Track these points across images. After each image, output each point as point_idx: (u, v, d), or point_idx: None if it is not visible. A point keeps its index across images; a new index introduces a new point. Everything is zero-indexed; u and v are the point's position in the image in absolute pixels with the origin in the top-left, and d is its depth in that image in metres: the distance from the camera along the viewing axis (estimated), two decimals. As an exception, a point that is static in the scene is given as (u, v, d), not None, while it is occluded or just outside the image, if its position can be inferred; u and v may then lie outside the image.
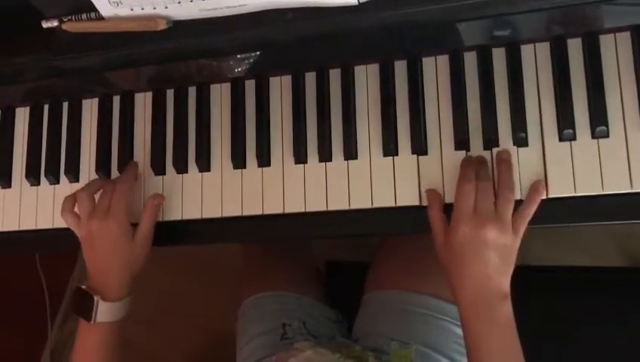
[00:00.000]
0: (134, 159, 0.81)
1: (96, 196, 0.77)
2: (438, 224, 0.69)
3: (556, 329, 0.95)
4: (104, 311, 0.73)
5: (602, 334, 0.94)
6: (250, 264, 1.06)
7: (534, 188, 0.68)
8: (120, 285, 0.75)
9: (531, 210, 0.67)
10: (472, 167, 0.68)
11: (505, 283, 0.66)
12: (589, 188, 0.67)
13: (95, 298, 0.72)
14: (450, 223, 0.67)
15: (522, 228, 0.66)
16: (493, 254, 0.65)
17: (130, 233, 0.75)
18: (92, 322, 0.73)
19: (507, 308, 0.65)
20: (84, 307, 0.73)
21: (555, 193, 0.67)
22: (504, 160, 0.69)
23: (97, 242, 0.74)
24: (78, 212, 0.76)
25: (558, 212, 0.68)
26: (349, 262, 1.09)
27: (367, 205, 0.72)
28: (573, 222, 0.69)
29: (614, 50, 0.68)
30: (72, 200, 0.77)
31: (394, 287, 0.89)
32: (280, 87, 0.77)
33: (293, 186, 0.75)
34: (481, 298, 0.65)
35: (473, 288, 0.66)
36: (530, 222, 0.68)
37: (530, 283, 0.98)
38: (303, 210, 0.74)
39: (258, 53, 0.72)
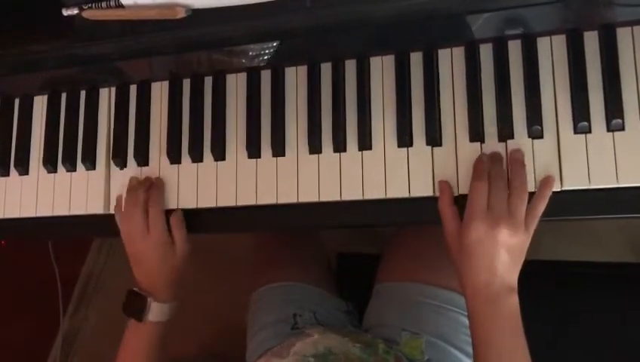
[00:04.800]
0: (150, 147, 0.82)
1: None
2: (447, 213, 0.69)
3: (567, 324, 0.95)
4: (155, 311, 0.79)
5: (614, 329, 0.94)
6: (261, 254, 1.07)
7: (545, 183, 0.68)
8: (169, 290, 0.80)
9: (542, 206, 0.67)
10: (486, 165, 0.69)
11: (513, 277, 0.67)
12: (603, 180, 0.67)
13: (148, 299, 0.79)
14: (463, 220, 0.67)
15: (533, 226, 0.67)
16: (504, 252, 0.65)
17: (171, 245, 0.79)
18: (143, 321, 0.79)
19: (513, 302, 0.66)
20: (136, 307, 0.79)
21: (569, 185, 0.67)
22: (517, 159, 0.69)
23: (144, 259, 0.80)
24: (119, 222, 0.81)
25: (573, 205, 0.68)
26: (360, 254, 1.09)
27: (380, 195, 0.73)
28: (588, 215, 0.69)
29: (631, 43, 0.68)
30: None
31: (404, 279, 0.89)
32: (295, 78, 0.78)
33: (307, 176, 0.75)
34: (488, 291, 0.66)
35: (481, 281, 0.66)
36: (544, 215, 0.68)
37: (542, 278, 0.98)
38: (316, 199, 0.75)
39: (275, 42, 0.73)
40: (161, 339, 0.81)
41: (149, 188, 0.80)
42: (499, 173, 0.68)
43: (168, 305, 0.80)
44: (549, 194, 0.67)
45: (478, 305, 0.66)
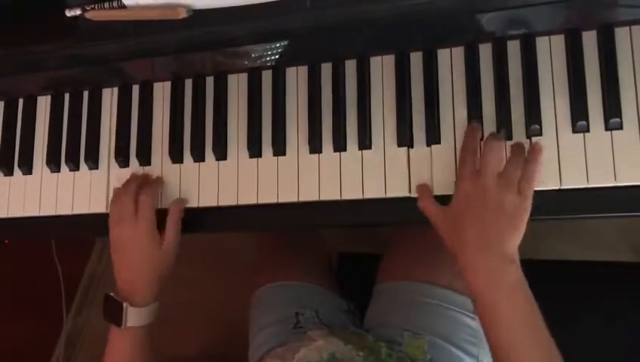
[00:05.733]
0: (152, 147, 0.83)
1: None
2: (430, 208, 0.68)
3: (567, 324, 0.95)
4: (133, 316, 0.75)
5: (615, 329, 0.94)
6: (262, 254, 1.07)
7: (535, 148, 0.66)
8: (148, 290, 0.77)
9: (535, 169, 0.64)
10: (477, 138, 0.68)
11: (511, 246, 0.62)
12: (602, 179, 0.67)
13: (124, 304, 0.75)
14: (456, 183, 0.66)
15: (528, 190, 0.63)
16: (496, 213, 0.62)
17: (158, 239, 0.77)
18: (122, 327, 0.75)
19: (514, 271, 0.61)
20: (114, 313, 0.76)
21: (567, 184, 0.68)
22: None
23: (126, 248, 0.77)
24: (109, 213, 0.78)
25: (571, 203, 0.69)
26: (360, 254, 1.10)
27: (380, 195, 0.73)
28: (586, 214, 0.70)
29: (629, 42, 0.68)
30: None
31: (406, 278, 0.90)
32: (296, 78, 0.78)
33: (307, 175, 0.76)
34: (484, 262, 0.62)
35: (475, 251, 0.62)
36: (543, 214, 0.69)
37: (542, 278, 0.98)
38: (317, 198, 0.75)
39: (276, 42, 0.73)
40: (146, 342, 0.78)
41: (144, 181, 0.80)
42: (493, 141, 0.66)
43: (146, 308, 0.77)
44: (541, 158, 0.65)
45: (477, 279, 0.62)
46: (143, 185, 0.79)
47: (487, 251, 0.62)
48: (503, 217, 0.62)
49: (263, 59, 0.77)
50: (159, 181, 0.81)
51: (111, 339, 0.78)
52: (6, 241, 1.02)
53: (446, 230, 0.66)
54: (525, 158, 0.66)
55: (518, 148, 0.67)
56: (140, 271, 0.77)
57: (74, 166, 0.85)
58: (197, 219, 0.80)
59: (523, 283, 0.62)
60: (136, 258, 0.77)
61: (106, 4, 0.72)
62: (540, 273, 0.97)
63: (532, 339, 0.62)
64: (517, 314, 0.62)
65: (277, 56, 0.76)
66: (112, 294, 0.77)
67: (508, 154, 0.68)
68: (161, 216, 0.78)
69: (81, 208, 0.84)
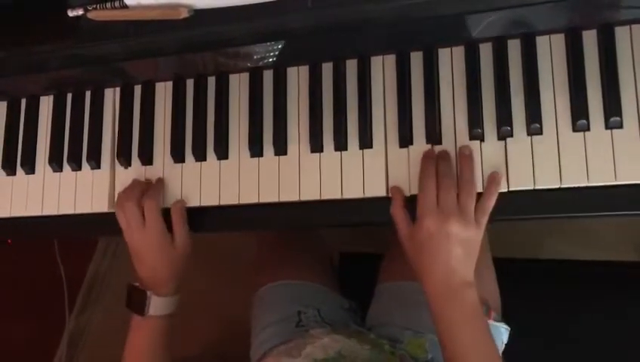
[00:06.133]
0: (154, 147, 0.83)
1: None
2: (399, 216, 0.71)
3: (569, 323, 0.95)
4: (156, 305, 0.79)
5: (615, 328, 0.94)
6: (263, 253, 1.07)
7: (491, 180, 0.69)
8: (169, 283, 0.80)
9: (491, 202, 0.69)
10: (433, 162, 0.70)
11: (469, 273, 0.68)
12: (602, 178, 0.67)
13: (148, 293, 0.78)
14: (416, 219, 0.69)
15: (484, 220, 0.68)
16: (457, 247, 0.67)
17: (169, 239, 0.79)
18: (145, 315, 0.78)
19: (473, 296, 0.68)
20: (137, 302, 0.79)
21: (568, 183, 0.68)
22: (465, 155, 0.71)
23: (141, 252, 0.79)
24: (119, 219, 0.80)
25: (572, 202, 0.69)
26: (362, 253, 1.10)
27: (382, 194, 0.74)
28: (587, 212, 0.70)
29: (629, 41, 0.68)
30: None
31: (407, 278, 0.90)
32: (297, 77, 0.79)
33: (309, 174, 0.76)
34: (447, 288, 0.67)
35: (439, 280, 0.68)
36: (543, 213, 0.69)
37: (543, 278, 0.99)
38: (318, 197, 0.75)
39: (277, 42, 0.73)
40: (165, 336, 0.81)
41: (147, 186, 0.81)
42: (447, 170, 0.70)
43: (169, 298, 0.80)
44: (497, 191, 0.69)
45: (440, 303, 0.68)
46: (146, 190, 0.80)
47: (451, 278, 0.67)
48: (465, 250, 0.67)
49: (264, 59, 0.77)
50: (161, 183, 0.82)
51: (132, 330, 0.81)
52: (9, 241, 1.02)
53: (409, 248, 0.71)
54: (484, 192, 0.69)
55: (468, 176, 0.69)
56: (159, 271, 0.79)
57: (76, 165, 0.86)
58: (199, 219, 0.81)
59: (479, 305, 0.68)
60: (152, 260, 0.79)
61: (108, 4, 0.72)
62: (540, 273, 0.98)
63: (490, 351, 0.69)
64: (477, 330, 0.68)
65: (278, 56, 0.77)
66: (136, 284, 0.80)
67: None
68: (166, 215, 0.79)
69: (84, 208, 0.85)
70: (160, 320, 0.80)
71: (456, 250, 0.67)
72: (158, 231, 0.78)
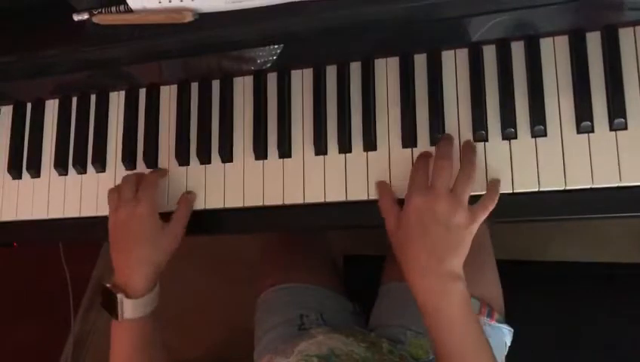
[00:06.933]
0: (159, 150, 0.84)
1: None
2: (387, 208, 0.68)
3: (575, 324, 0.95)
4: (129, 308, 0.73)
5: (620, 329, 0.94)
6: (267, 256, 1.07)
7: (492, 186, 0.68)
8: (144, 278, 0.74)
9: (491, 202, 0.66)
10: (431, 153, 0.69)
11: (457, 265, 0.63)
12: (606, 179, 0.67)
13: (118, 296, 0.73)
14: (405, 198, 0.66)
15: (481, 216, 0.65)
16: (444, 231, 0.62)
17: (159, 222, 0.75)
18: (120, 319, 0.73)
19: (462, 289, 0.63)
20: (110, 305, 0.74)
21: (573, 184, 0.68)
22: (469, 144, 0.69)
23: (125, 228, 0.74)
24: (109, 198, 0.78)
25: (576, 204, 0.69)
26: (366, 255, 1.10)
27: (386, 196, 0.74)
28: (592, 214, 0.70)
29: (634, 43, 0.68)
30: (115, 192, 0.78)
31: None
32: (301, 80, 0.79)
33: (313, 177, 0.76)
34: (434, 277, 0.63)
35: (425, 267, 0.63)
36: (549, 214, 0.69)
37: (549, 279, 0.99)
38: (322, 200, 0.76)
39: (281, 45, 0.74)
40: (150, 335, 0.76)
41: (149, 173, 0.80)
42: (445, 153, 0.67)
43: (142, 299, 0.74)
44: (497, 197, 0.67)
45: (427, 295, 0.64)
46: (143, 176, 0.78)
47: (439, 266, 0.63)
48: (453, 236, 0.63)
49: (269, 62, 0.78)
50: (161, 172, 0.81)
51: (112, 333, 0.76)
52: (14, 244, 1.02)
53: (395, 242, 0.67)
54: (486, 192, 0.67)
55: (468, 160, 0.67)
56: (137, 252, 0.74)
57: (81, 169, 0.86)
58: (203, 221, 0.81)
59: (468, 300, 0.64)
60: (134, 237, 0.74)
61: (113, 9, 0.72)
62: (544, 275, 0.98)
63: (481, 345, 0.65)
64: (469, 325, 0.64)
65: (282, 59, 0.77)
66: (108, 285, 0.74)
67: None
68: (163, 218, 0.77)
69: (89, 211, 0.85)
70: (139, 321, 0.74)
71: (445, 236, 0.62)
72: (150, 209, 0.74)
